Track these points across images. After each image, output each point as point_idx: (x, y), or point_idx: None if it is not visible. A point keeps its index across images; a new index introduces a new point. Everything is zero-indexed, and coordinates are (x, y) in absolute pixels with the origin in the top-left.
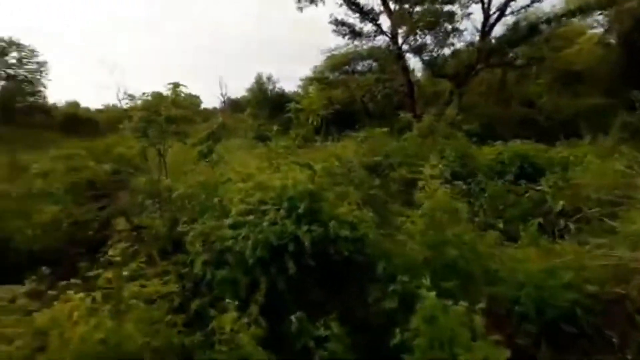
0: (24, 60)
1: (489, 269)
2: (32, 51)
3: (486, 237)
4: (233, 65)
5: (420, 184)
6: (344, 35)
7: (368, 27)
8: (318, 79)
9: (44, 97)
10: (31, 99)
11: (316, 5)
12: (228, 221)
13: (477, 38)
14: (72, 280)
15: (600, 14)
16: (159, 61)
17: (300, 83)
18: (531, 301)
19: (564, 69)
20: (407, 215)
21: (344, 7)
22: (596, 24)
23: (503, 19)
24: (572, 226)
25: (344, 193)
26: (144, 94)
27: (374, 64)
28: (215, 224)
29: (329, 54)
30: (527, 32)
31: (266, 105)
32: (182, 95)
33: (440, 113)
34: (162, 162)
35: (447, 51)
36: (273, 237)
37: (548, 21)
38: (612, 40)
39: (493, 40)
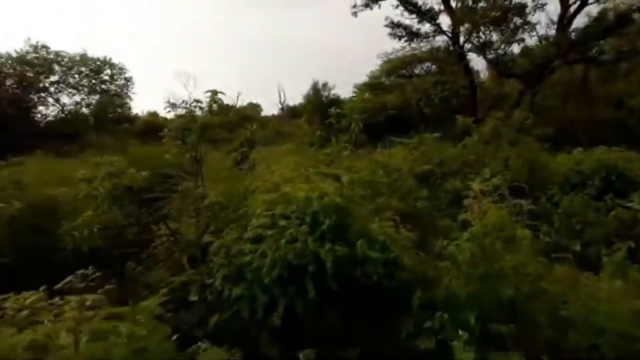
0: (115, 77)
1: (557, 310)
2: (122, 69)
3: (556, 269)
4: (296, 73)
5: (466, 202)
6: (400, 38)
7: (426, 27)
8: (371, 84)
9: (129, 109)
10: (119, 110)
11: (371, 8)
12: (247, 234)
13: (553, 32)
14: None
15: None
16: (230, 71)
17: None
18: (614, 352)
19: None
20: (454, 238)
21: (401, 8)
22: None
23: (586, 9)
24: None
25: (383, 206)
26: (183, 101)
27: (433, 66)
28: (235, 236)
29: (385, 59)
30: (615, 23)
31: (321, 111)
32: (219, 102)
33: (506, 116)
34: (199, 169)
35: (516, 48)
36: (292, 255)
37: None
38: None
39: (573, 34)
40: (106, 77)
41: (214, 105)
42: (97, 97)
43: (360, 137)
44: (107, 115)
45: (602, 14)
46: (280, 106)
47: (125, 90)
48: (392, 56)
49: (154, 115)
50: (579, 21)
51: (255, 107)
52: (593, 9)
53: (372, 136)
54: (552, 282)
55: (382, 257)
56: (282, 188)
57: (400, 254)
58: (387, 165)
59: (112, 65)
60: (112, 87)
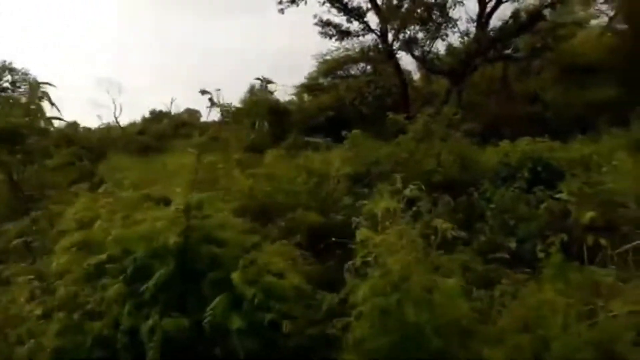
0: (17, 83)
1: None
2: (26, 74)
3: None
4: (235, 77)
5: (358, 234)
6: (330, 37)
7: (355, 25)
8: (308, 86)
9: (40, 119)
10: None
11: (297, 4)
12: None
13: (473, 29)
14: None
15: (604, 2)
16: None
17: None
18: None
19: (570, 61)
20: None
21: (327, 5)
22: (599, 13)
23: (503, 7)
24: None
25: (299, 221)
26: None
27: (368, 67)
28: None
29: (321, 60)
30: (528, 20)
31: (260, 114)
32: None
33: (436, 113)
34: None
35: (441, 46)
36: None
37: (552, 4)
38: (620, 27)
39: (492, 33)
40: (6, 84)
41: None
42: None
43: (299, 139)
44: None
45: (516, 13)
46: (220, 112)
47: (34, 99)
48: (327, 57)
49: (73, 126)
50: (498, 19)
51: (193, 114)
52: (508, 7)
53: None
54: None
55: (253, 323)
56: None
57: (288, 309)
58: (311, 168)
59: (12, 70)
60: (15, 95)
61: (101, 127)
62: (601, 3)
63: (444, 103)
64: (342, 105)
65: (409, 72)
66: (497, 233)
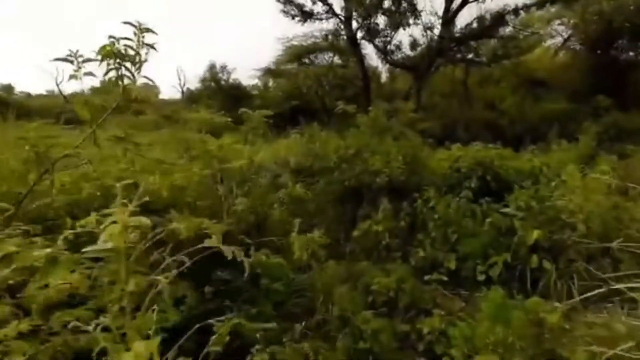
0: None
1: None
2: None
3: None
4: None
5: None
6: (293, 17)
7: (319, 7)
8: (271, 70)
9: None
10: None
11: None
12: None
13: (437, 21)
14: None
15: (561, 23)
16: None
17: (256, 74)
18: None
19: (527, 73)
20: None
21: None
22: (554, 32)
23: (467, 8)
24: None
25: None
26: None
27: (336, 57)
28: None
29: (288, 43)
30: (492, 23)
31: (220, 97)
32: None
33: (394, 109)
34: None
35: (405, 39)
36: None
37: (515, 11)
38: (575, 46)
39: (456, 33)
40: None
41: None
42: None
43: (263, 127)
44: None
45: (481, 15)
46: (180, 90)
47: None
48: (294, 42)
49: (7, 88)
50: (462, 20)
51: (151, 89)
52: (473, 8)
53: (278, 127)
54: None
55: None
56: None
57: None
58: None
59: None
60: None
61: (44, 94)
62: (558, 24)
63: (404, 99)
64: (305, 94)
65: (375, 67)
66: (439, 249)
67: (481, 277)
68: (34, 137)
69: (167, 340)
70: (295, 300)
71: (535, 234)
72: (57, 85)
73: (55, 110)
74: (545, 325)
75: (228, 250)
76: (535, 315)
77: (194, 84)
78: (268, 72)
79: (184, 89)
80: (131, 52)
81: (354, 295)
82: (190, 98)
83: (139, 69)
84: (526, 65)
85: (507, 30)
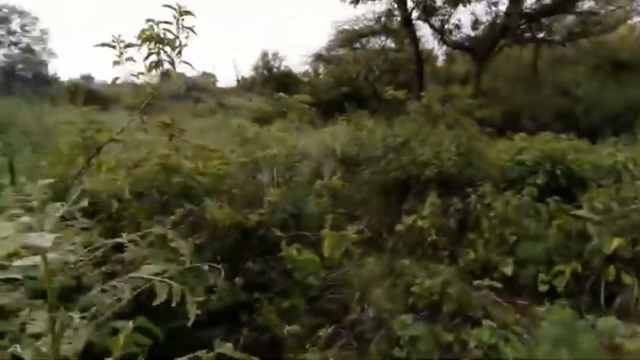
0: (27, 28)
1: None
2: (35, 18)
3: None
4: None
5: None
6: None
7: None
8: (323, 56)
9: (46, 67)
10: (34, 69)
11: None
12: None
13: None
14: None
15: None
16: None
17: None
18: None
19: (608, 54)
20: None
21: None
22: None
23: None
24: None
25: None
26: None
27: (389, 41)
28: None
29: (340, 28)
30: None
31: (271, 84)
32: None
33: (450, 94)
34: None
35: (465, 18)
36: None
37: None
38: None
39: (525, 9)
40: (16, 27)
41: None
42: (4, 50)
43: (309, 114)
44: (17, 74)
45: None
46: (236, 79)
47: (42, 45)
48: (346, 26)
49: (87, 78)
50: None
51: (209, 77)
52: None
53: (326, 114)
54: None
55: None
56: None
57: None
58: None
59: (22, 14)
60: (25, 39)
61: (116, 83)
62: None
63: (462, 83)
64: (355, 79)
65: (430, 50)
66: (493, 251)
67: (543, 287)
68: (82, 122)
69: (198, 325)
70: (330, 296)
71: (615, 242)
72: (137, 75)
73: (128, 98)
74: (623, 353)
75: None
76: (610, 339)
77: (248, 73)
78: (318, 58)
79: (239, 77)
80: (170, 36)
81: (392, 295)
82: (245, 86)
83: (179, 53)
84: (608, 46)
85: (587, 4)
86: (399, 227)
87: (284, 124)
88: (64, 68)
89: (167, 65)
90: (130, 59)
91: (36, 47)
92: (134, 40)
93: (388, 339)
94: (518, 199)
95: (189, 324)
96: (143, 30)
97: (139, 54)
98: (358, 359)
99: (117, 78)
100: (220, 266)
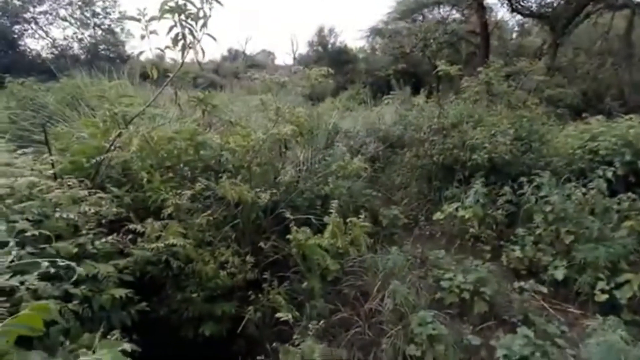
0: (108, 10)
1: None
2: (115, 1)
3: None
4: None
5: None
6: None
7: None
8: (380, 30)
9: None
10: (114, 49)
11: None
12: None
13: None
14: None
15: None
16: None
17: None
18: None
19: None
20: None
21: None
22: None
23: None
24: None
25: None
26: None
27: (454, 12)
28: None
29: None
30: None
31: (327, 60)
32: None
33: (518, 70)
34: None
35: None
36: None
37: None
38: None
39: None
40: (99, 10)
41: None
42: (89, 32)
43: (363, 91)
44: (100, 53)
45: None
46: (293, 55)
47: (120, 26)
48: None
49: (160, 57)
50: None
51: (267, 55)
52: None
53: (380, 91)
54: None
55: None
56: None
57: None
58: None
59: None
60: (106, 21)
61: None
62: None
63: (536, 58)
64: (411, 54)
65: (498, 21)
66: (544, 250)
67: (602, 297)
68: (113, 95)
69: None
70: (351, 282)
71: None
72: (202, 52)
73: (192, 75)
74: None
75: None
76: None
77: (305, 49)
78: (375, 32)
79: (296, 54)
80: (193, 9)
81: (418, 287)
82: (300, 62)
83: (204, 25)
84: None
85: None
86: (437, 215)
87: (334, 102)
88: (140, 48)
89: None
90: (153, 32)
91: (116, 29)
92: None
93: (405, 334)
94: (583, 194)
95: None
96: (164, 2)
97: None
98: (369, 350)
99: (141, 52)
100: (233, 243)
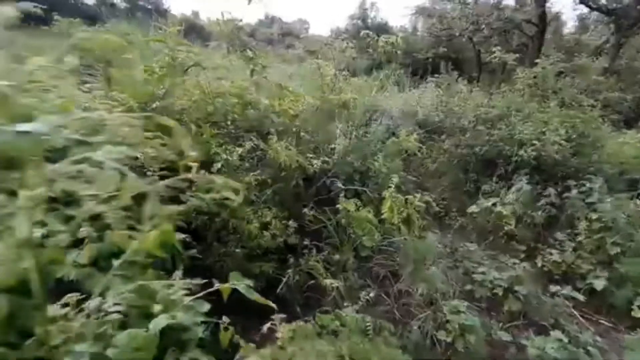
0: None
1: None
2: None
3: None
4: None
5: None
6: None
7: None
8: (424, 10)
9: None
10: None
11: None
12: None
13: None
14: None
15: None
16: None
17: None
18: None
19: None
20: None
21: None
22: None
23: None
24: None
25: None
26: None
27: None
28: None
29: None
30: None
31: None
32: None
33: (575, 67)
34: None
35: None
36: None
37: None
38: None
39: None
40: None
41: None
42: None
43: (399, 73)
44: (138, 4)
45: None
46: (330, 28)
47: None
48: None
49: (195, 14)
50: None
51: (302, 24)
52: None
53: (419, 75)
54: None
55: None
56: None
57: None
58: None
59: None
60: None
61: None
62: None
63: (595, 56)
64: (458, 38)
65: (556, 13)
66: (584, 258)
67: (639, 313)
68: (172, 45)
69: (250, 257)
70: (382, 260)
71: None
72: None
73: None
74: None
75: None
76: None
77: (344, 22)
78: (420, 11)
79: (334, 26)
80: None
81: (449, 277)
82: (337, 35)
83: None
84: None
85: None
86: (472, 208)
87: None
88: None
89: None
90: None
91: None
92: None
93: (434, 319)
94: (634, 204)
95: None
96: None
97: None
98: (396, 330)
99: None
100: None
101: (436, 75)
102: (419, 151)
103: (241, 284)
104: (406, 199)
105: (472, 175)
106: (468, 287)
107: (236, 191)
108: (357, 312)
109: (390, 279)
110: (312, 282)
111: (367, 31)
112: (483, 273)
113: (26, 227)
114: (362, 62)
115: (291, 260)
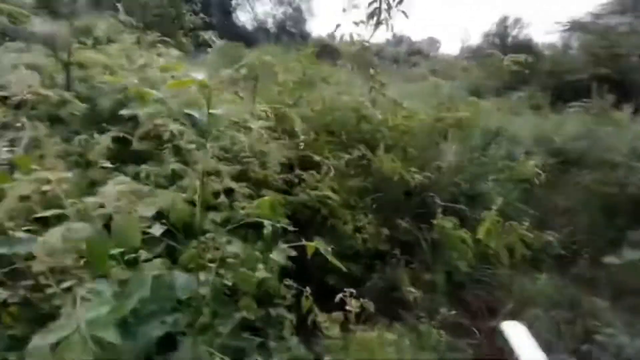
0: None
1: None
2: None
3: None
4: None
5: None
6: None
7: None
8: (579, 25)
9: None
10: (298, 26)
11: None
12: None
13: None
14: None
15: None
16: None
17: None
18: None
19: None
20: None
21: None
22: None
23: None
24: None
25: None
26: None
27: None
28: None
29: None
30: None
31: (503, 54)
32: None
33: None
34: None
35: None
36: None
37: None
38: None
39: None
40: None
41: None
42: (282, 9)
43: (538, 97)
44: (286, 29)
45: None
46: (461, 46)
47: (306, 5)
48: None
49: (330, 36)
50: None
51: (433, 43)
52: None
53: (564, 99)
54: None
55: None
56: None
57: None
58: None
59: None
60: (297, 1)
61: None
62: None
63: None
64: (622, 58)
65: None
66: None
67: None
68: (305, 64)
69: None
70: (478, 292)
71: None
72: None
73: (352, 57)
74: None
75: None
76: None
77: (478, 40)
78: (575, 27)
79: (465, 44)
80: None
81: (561, 332)
82: (468, 54)
83: (400, 3)
84: None
85: None
86: (610, 259)
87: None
88: (319, 26)
89: (384, 15)
90: (355, 6)
91: (303, 7)
92: None
93: None
94: None
95: None
96: None
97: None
98: None
99: (335, 29)
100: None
101: (585, 100)
102: (537, 180)
103: (321, 246)
104: (510, 224)
105: (617, 220)
106: (584, 347)
107: (335, 192)
108: (440, 335)
109: (485, 313)
110: (395, 293)
111: (493, 50)
112: (610, 335)
113: (194, 186)
114: (490, 82)
115: (378, 266)
